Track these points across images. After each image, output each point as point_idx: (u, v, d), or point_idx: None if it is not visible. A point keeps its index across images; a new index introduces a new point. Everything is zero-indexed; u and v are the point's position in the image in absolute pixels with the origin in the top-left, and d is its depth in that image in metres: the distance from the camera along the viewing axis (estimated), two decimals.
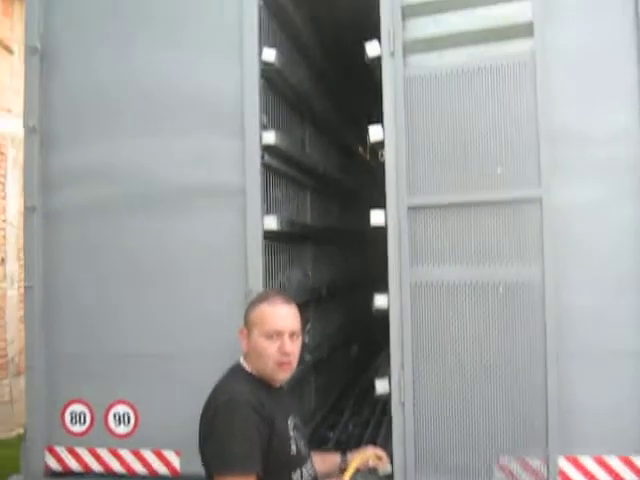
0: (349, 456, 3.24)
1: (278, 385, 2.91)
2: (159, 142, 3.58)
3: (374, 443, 3.94)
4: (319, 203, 4.90)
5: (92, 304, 3.65)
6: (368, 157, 6.82)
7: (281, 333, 2.79)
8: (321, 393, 4.69)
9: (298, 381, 3.97)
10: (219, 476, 2.69)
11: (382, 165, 3.42)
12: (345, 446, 4.02)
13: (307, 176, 4.50)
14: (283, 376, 2.84)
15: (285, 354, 2.78)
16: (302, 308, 3.76)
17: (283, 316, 2.84)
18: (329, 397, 4.96)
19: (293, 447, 2.83)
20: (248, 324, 2.84)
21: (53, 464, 3.68)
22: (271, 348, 2.78)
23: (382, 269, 3.40)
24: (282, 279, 3.80)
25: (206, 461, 2.78)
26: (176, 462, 3.55)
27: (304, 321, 4.03)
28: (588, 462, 3.27)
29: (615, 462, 3.25)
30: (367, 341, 6.38)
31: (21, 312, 8.47)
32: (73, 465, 3.67)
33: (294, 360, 2.85)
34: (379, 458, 3.31)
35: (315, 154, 4.74)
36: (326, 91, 4.94)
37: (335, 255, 5.45)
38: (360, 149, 6.50)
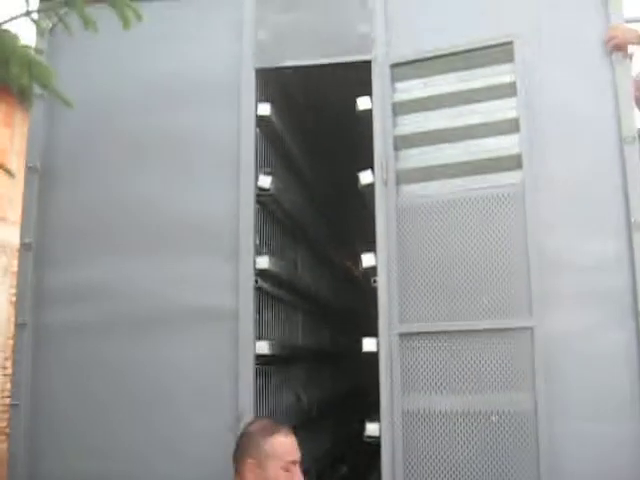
0: None
1: None
2: (153, 264, 3.60)
3: None
4: (311, 324, 4.91)
5: (79, 425, 3.58)
6: (360, 278, 6.87)
7: (296, 464, 2.79)
8: None
9: None
10: None
11: (373, 288, 3.46)
12: None
13: (299, 298, 4.52)
14: None
15: None
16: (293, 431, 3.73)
17: (296, 446, 2.89)
18: None
19: None
20: (261, 456, 2.80)
21: None
22: (292, 478, 2.80)
23: (372, 392, 3.38)
24: (273, 403, 3.76)
25: None
26: None
27: None
28: None
29: None
30: (357, 463, 6.24)
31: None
32: None
33: None
34: None
35: (307, 276, 4.78)
36: (319, 215, 5.03)
37: (326, 377, 5.41)
38: (352, 271, 6.55)
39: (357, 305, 6.23)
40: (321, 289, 5.05)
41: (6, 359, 8.64)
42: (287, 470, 2.80)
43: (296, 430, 3.78)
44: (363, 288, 6.76)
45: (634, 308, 3.27)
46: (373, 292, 3.45)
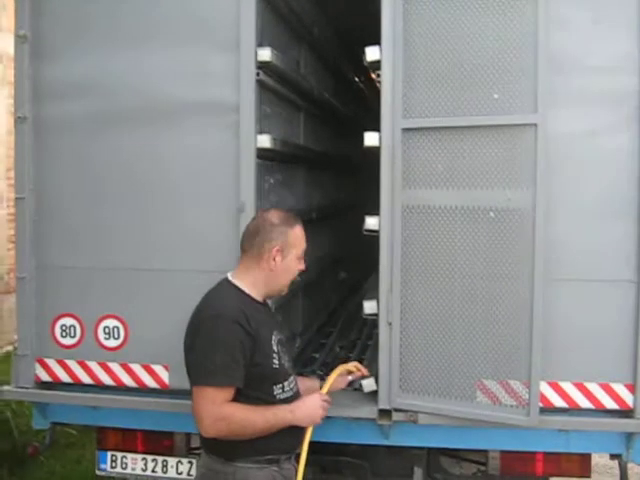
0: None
1: (262, 299, 2.98)
2: (154, 56, 3.52)
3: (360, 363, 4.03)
4: (313, 126, 4.86)
5: (83, 217, 3.66)
6: (363, 85, 6.76)
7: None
8: (309, 315, 4.74)
9: (287, 303, 4.01)
10: (197, 386, 2.77)
11: (377, 92, 3.39)
12: (331, 367, 4.09)
13: (301, 98, 4.45)
14: (285, 291, 3.08)
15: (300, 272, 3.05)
16: None
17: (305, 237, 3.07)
18: (317, 320, 5.01)
19: (276, 361, 2.92)
20: (284, 244, 2.94)
21: (43, 375, 3.74)
22: (299, 267, 3.04)
23: (374, 194, 3.41)
24: (273, 198, 3.80)
25: (187, 371, 2.86)
26: (165, 376, 3.61)
27: None
28: (568, 387, 3.35)
29: (594, 388, 3.33)
30: (358, 265, 6.42)
31: (10, 231, 8.48)
32: (63, 376, 3.73)
33: None
34: (357, 369, 3.41)
35: (310, 77, 4.68)
36: (324, 15, 4.85)
37: (328, 179, 5.44)
38: (356, 77, 6.42)
39: (360, 110, 6.16)
40: (324, 91, 4.95)
41: (8, 169, 8.68)
42: (300, 258, 3.00)
43: None
44: (366, 95, 6.69)
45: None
46: (377, 96, 3.38)
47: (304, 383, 3.22)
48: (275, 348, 2.93)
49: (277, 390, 2.92)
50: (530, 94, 3.12)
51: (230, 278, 2.96)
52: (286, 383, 2.96)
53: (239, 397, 2.79)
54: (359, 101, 6.43)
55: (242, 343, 2.78)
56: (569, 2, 3.25)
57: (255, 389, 2.84)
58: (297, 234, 2.99)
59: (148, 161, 3.57)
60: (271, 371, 2.91)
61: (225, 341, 2.77)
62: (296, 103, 4.38)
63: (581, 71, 3.25)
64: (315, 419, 2.99)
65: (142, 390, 3.65)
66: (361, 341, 4.76)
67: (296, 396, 3.01)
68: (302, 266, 3.04)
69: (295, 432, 2.94)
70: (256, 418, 2.80)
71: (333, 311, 5.61)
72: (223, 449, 2.84)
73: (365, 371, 3.48)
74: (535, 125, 3.10)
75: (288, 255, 2.94)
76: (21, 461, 5.57)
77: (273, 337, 2.95)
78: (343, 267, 5.95)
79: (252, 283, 2.93)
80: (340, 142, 5.75)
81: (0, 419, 5.82)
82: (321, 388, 3.24)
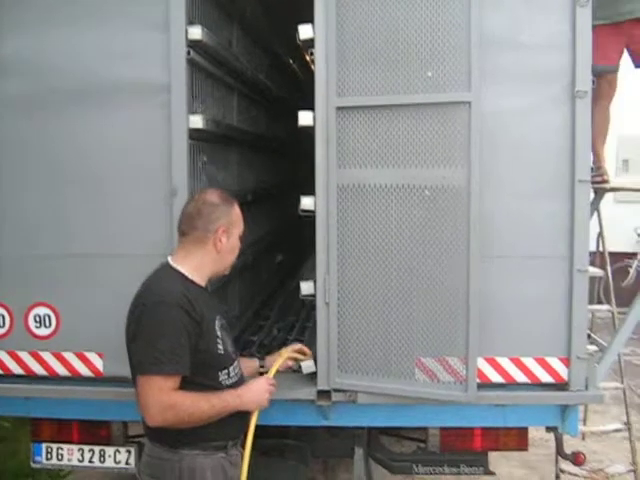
0: (267, 360, 3.32)
1: (203, 283, 2.93)
2: (84, 36, 3.40)
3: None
4: (247, 106, 4.80)
5: (10, 203, 3.52)
6: (299, 65, 6.70)
7: None
8: (246, 298, 4.70)
9: (222, 286, 3.96)
10: (143, 375, 2.70)
11: (312, 72, 3.35)
12: (268, 349, 4.07)
13: (235, 78, 4.38)
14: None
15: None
16: None
17: None
18: (254, 302, 4.97)
19: (220, 347, 2.88)
20: (228, 224, 2.92)
21: None
22: (239, 248, 3.02)
23: (311, 175, 3.38)
24: (207, 180, 3.73)
25: (131, 360, 2.79)
26: (99, 364, 3.52)
27: None
28: (505, 362, 3.39)
29: (530, 362, 3.39)
30: (297, 247, 6.39)
31: None
32: None
33: None
34: (302, 352, 3.40)
35: (244, 56, 4.60)
36: None
37: (264, 160, 5.38)
38: (291, 57, 6.35)
39: (293, 92, 6.10)
40: (257, 72, 4.89)
41: None
42: (240, 237, 3.00)
43: None
44: (300, 76, 6.64)
45: (571, 90, 3.26)
46: (311, 76, 3.34)
47: (244, 363, 3.19)
48: (219, 333, 2.89)
49: (223, 376, 2.88)
50: (463, 72, 3.12)
51: (171, 262, 2.90)
52: (231, 368, 2.92)
53: (185, 384, 2.74)
54: (294, 81, 6.37)
55: (187, 329, 2.72)
56: None
57: (201, 375, 2.80)
58: (237, 212, 2.98)
59: (78, 144, 3.46)
60: (216, 357, 2.87)
61: (170, 328, 2.71)
62: (229, 83, 4.31)
63: (514, 49, 3.28)
64: (262, 403, 2.98)
65: (76, 379, 3.55)
66: (299, 323, 4.74)
67: (241, 381, 2.99)
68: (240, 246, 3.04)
69: (241, 417, 2.92)
70: (203, 405, 2.75)
71: (271, 293, 5.57)
72: (168, 437, 2.79)
73: (307, 351, 3.47)
74: (469, 103, 3.11)
75: (232, 234, 2.93)
76: None
77: (217, 322, 2.91)
78: (282, 249, 5.91)
79: (195, 267, 2.87)
80: (275, 123, 5.70)
81: None
82: (261, 367, 3.29)
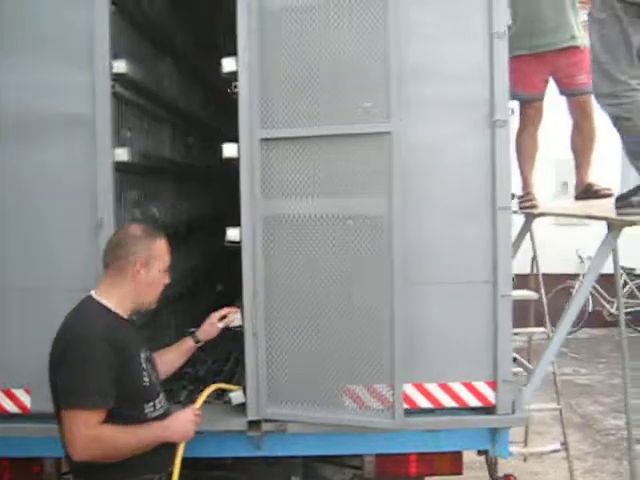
0: (201, 332, 3.43)
1: (126, 316, 2.93)
2: (7, 70, 3.40)
3: (232, 376, 4.01)
4: (179, 138, 4.82)
5: None
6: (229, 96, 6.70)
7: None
8: (181, 328, 4.68)
9: (153, 317, 3.95)
10: (68, 409, 2.69)
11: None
12: (203, 381, 4.05)
13: (166, 110, 4.40)
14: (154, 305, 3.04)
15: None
16: None
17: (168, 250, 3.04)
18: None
19: (146, 379, 2.89)
20: (147, 258, 2.91)
21: None
22: (164, 281, 3.00)
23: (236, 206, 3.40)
24: (136, 213, 3.73)
25: (56, 395, 2.77)
26: (27, 400, 3.47)
27: None
28: (433, 388, 3.43)
29: (458, 387, 3.43)
30: (236, 277, 6.35)
31: None
32: None
33: None
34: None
35: (175, 89, 4.63)
36: (185, 25, 4.81)
37: (197, 192, 5.38)
38: (223, 86, 6.37)
39: (229, 119, 6.05)
40: (190, 104, 4.91)
41: None
42: (165, 272, 2.99)
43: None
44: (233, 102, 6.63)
45: (490, 119, 3.34)
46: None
47: (178, 348, 3.31)
48: (144, 365, 2.89)
49: (148, 408, 2.88)
50: (384, 103, 3.17)
51: (94, 296, 2.89)
52: (157, 401, 2.92)
53: (110, 418, 2.73)
54: (225, 112, 6.35)
55: (110, 362, 2.72)
56: (421, 13, 3.35)
57: (126, 408, 2.79)
58: (161, 247, 2.97)
59: (5, 177, 3.44)
60: (142, 389, 2.86)
61: (93, 362, 2.70)
62: (160, 115, 4.32)
63: (435, 79, 3.37)
64: (188, 433, 2.97)
65: (3, 416, 3.49)
66: (234, 355, 4.72)
67: (167, 413, 2.99)
68: (167, 280, 3.02)
69: (167, 449, 2.91)
70: (129, 437, 2.75)
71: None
72: (94, 473, 2.76)
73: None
74: (389, 133, 3.16)
75: (152, 268, 2.92)
76: None
77: (141, 354, 2.90)
78: (221, 279, 5.90)
79: (118, 299, 2.88)
80: (208, 154, 5.71)
81: None
82: (197, 342, 3.39)
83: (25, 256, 3.44)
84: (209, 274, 5.45)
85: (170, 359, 3.28)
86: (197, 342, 3.40)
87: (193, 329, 3.49)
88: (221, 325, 3.45)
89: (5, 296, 3.45)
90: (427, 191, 3.37)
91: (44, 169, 3.42)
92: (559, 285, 10.26)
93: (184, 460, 3.05)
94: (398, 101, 3.17)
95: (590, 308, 10.75)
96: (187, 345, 3.39)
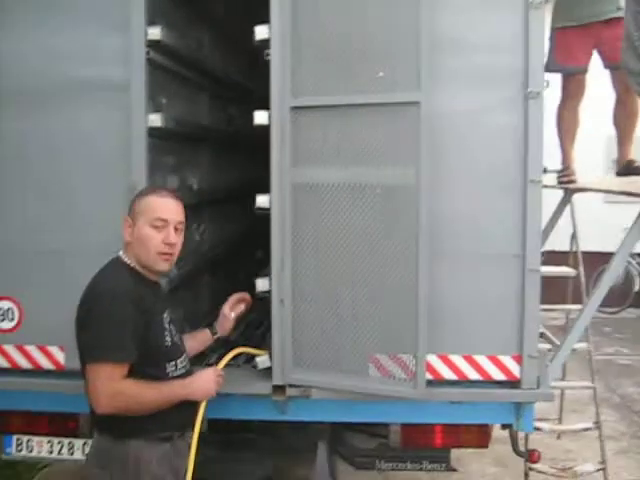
0: (217, 326, 3.48)
1: (157, 277, 3.00)
2: (43, 36, 3.47)
3: (262, 341, 4.06)
4: (217, 105, 4.84)
5: None
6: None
7: (167, 223, 2.92)
8: (218, 295, 4.74)
9: (191, 280, 4.02)
10: (92, 363, 2.79)
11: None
12: (234, 346, 4.11)
13: (205, 78, 4.43)
14: (163, 267, 2.97)
15: (169, 245, 2.91)
16: (194, 209, 3.79)
17: (169, 207, 2.99)
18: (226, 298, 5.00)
19: (168, 339, 2.95)
20: (133, 213, 2.96)
21: None
22: (156, 238, 2.93)
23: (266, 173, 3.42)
24: (171, 179, 3.79)
25: (81, 350, 2.87)
26: (60, 357, 3.59)
27: (195, 221, 4.08)
28: (457, 359, 3.43)
29: (483, 360, 3.43)
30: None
31: None
32: None
33: (175, 252, 2.99)
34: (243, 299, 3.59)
35: (215, 56, 4.65)
36: None
37: (235, 158, 5.41)
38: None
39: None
40: (228, 71, 4.93)
41: None
42: (154, 227, 2.92)
43: (198, 208, 3.86)
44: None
45: (524, 91, 3.30)
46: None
47: (195, 337, 3.34)
48: (166, 326, 2.96)
49: (170, 367, 2.96)
50: (413, 72, 3.15)
51: (121, 255, 2.99)
52: (179, 361, 3.00)
53: (132, 375, 2.82)
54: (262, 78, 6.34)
55: (133, 320, 2.81)
56: None
57: (147, 366, 2.88)
58: (147, 202, 2.95)
59: (41, 142, 3.52)
60: (163, 349, 2.95)
61: (118, 317, 2.80)
62: (197, 81, 4.36)
63: (467, 50, 3.33)
64: (209, 392, 3.03)
65: (37, 372, 3.62)
66: (268, 320, 4.78)
67: (189, 374, 3.06)
68: (162, 235, 2.92)
69: (187, 408, 2.98)
70: (152, 393, 2.84)
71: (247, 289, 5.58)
72: (116, 427, 2.86)
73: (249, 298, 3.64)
74: (418, 103, 3.14)
75: (136, 223, 2.92)
76: None
77: (165, 315, 2.98)
78: (261, 246, 5.93)
79: (132, 258, 2.96)
80: (246, 120, 5.72)
81: None
82: (215, 334, 3.45)
83: (60, 220, 3.54)
84: (248, 241, 5.50)
85: (190, 345, 3.32)
86: (214, 334, 3.48)
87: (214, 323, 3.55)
88: (233, 315, 3.51)
89: (41, 258, 3.55)
90: (457, 162, 3.35)
91: (81, 134, 3.49)
92: (606, 263, 10.07)
93: (214, 423, 3.12)
94: (428, 71, 3.15)
95: (637, 288, 10.55)
96: (205, 336, 3.47)
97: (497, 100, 3.34)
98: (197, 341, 3.34)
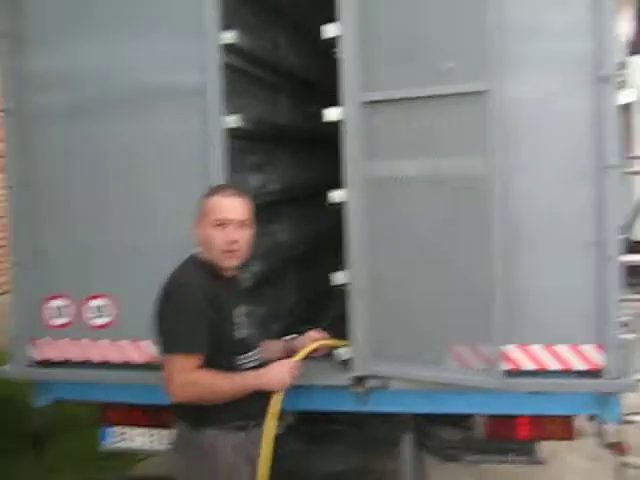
0: (295, 342, 3.46)
1: (229, 273, 3.10)
2: (122, 44, 3.63)
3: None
4: (294, 105, 4.92)
5: (66, 203, 3.80)
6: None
7: (227, 222, 2.98)
8: (300, 290, 4.84)
9: (274, 276, 4.10)
10: (169, 354, 2.92)
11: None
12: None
13: (282, 78, 4.52)
14: (229, 264, 3.05)
15: (230, 243, 2.97)
16: (272, 206, 3.88)
17: (230, 206, 3.04)
18: (308, 294, 5.09)
19: (240, 332, 3.05)
20: (200, 214, 3.07)
21: (36, 355, 3.90)
22: (218, 237, 3.00)
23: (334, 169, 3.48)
24: (250, 178, 3.90)
25: (157, 342, 3.01)
26: (153, 350, 3.74)
27: (275, 219, 4.17)
28: (537, 349, 3.40)
29: (564, 349, 3.38)
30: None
31: None
32: (54, 356, 3.87)
33: (241, 248, 3.04)
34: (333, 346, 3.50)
35: (291, 56, 4.74)
36: None
37: (315, 157, 5.48)
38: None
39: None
40: (310, 73, 5.01)
41: None
42: (216, 227, 3.00)
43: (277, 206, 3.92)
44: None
45: (596, 74, 3.24)
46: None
47: (267, 347, 3.34)
48: (238, 320, 3.05)
49: (241, 360, 3.05)
50: (482, 61, 3.15)
51: (196, 253, 3.11)
52: (251, 353, 3.09)
53: (207, 366, 2.93)
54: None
55: (206, 313, 2.93)
56: None
57: (219, 358, 2.98)
58: (212, 203, 3.04)
59: (122, 148, 3.69)
60: (234, 342, 3.04)
61: (192, 309, 2.93)
62: (273, 82, 4.45)
63: (536, 36, 3.28)
64: (283, 382, 3.09)
65: (131, 366, 3.78)
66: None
67: (262, 367, 3.14)
68: (224, 234, 3.00)
69: (262, 398, 3.05)
70: (225, 383, 2.95)
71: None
72: (192, 416, 2.98)
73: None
74: (488, 92, 3.14)
75: (201, 223, 3.03)
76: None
77: (239, 309, 3.08)
78: (339, 242, 5.98)
79: (206, 256, 3.07)
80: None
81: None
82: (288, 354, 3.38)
83: (144, 218, 3.72)
84: (327, 237, 5.55)
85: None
86: (285, 349, 3.44)
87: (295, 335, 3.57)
88: (315, 345, 3.45)
89: (132, 256, 3.72)
90: (531, 150, 3.31)
91: (159, 138, 3.64)
92: None
93: (301, 414, 3.15)
94: (496, 59, 3.14)
95: None
96: (277, 347, 3.47)
97: (569, 85, 3.29)
98: (268, 350, 3.33)
